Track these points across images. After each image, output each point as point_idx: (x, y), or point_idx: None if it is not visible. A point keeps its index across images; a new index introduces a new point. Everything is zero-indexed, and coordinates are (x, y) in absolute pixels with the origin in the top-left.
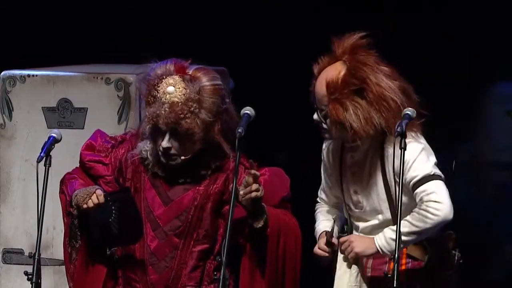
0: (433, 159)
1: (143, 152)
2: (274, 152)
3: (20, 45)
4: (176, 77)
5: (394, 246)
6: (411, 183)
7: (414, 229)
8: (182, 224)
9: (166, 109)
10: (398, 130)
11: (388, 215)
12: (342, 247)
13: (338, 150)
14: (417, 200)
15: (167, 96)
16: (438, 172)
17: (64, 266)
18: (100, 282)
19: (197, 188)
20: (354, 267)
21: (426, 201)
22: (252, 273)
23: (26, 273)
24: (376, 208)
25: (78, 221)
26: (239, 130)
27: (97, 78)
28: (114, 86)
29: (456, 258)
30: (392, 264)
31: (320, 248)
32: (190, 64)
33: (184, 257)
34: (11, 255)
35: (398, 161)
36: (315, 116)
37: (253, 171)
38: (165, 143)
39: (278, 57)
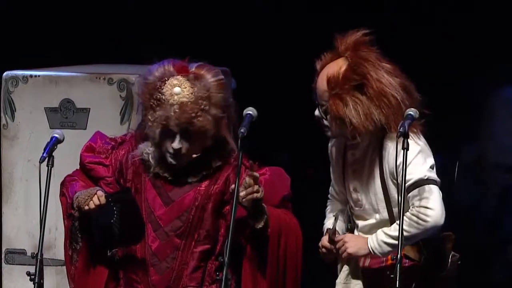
0: (430, 161)
1: (145, 155)
2: (275, 152)
3: (22, 46)
4: (179, 77)
5: (386, 249)
6: (406, 184)
7: (404, 233)
8: (183, 225)
9: (176, 110)
10: (401, 130)
11: (385, 214)
12: (337, 246)
13: (342, 148)
14: (410, 204)
15: (175, 97)
16: (433, 176)
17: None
18: (102, 283)
19: (198, 188)
20: (346, 266)
21: (417, 207)
22: (254, 273)
23: (28, 274)
24: (374, 207)
25: (79, 223)
26: (242, 130)
27: (99, 78)
28: (116, 86)
29: (453, 259)
30: (389, 259)
31: (323, 245)
32: (188, 62)
33: (185, 258)
34: (14, 256)
35: (393, 161)
36: (316, 112)
37: (253, 173)
38: (176, 144)
39: (279, 57)
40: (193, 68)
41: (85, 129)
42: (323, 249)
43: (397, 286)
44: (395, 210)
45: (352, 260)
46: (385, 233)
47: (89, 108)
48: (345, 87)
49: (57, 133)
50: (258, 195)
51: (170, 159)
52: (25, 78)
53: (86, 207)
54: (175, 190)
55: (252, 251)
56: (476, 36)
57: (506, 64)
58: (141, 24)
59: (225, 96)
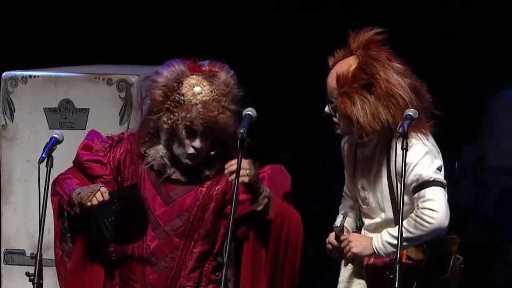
0: (437, 163)
1: (159, 159)
2: (275, 152)
3: (22, 46)
4: (196, 76)
5: (390, 249)
6: (411, 186)
7: (408, 235)
8: (183, 224)
9: (200, 109)
10: (400, 131)
11: (390, 214)
12: (342, 245)
13: (353, 145)
14: (415, 205)
15: (198, 96)
16: (439, 178)
17: None
18: (100, 282)
19: (200, 188)
20: (350, 264)
21: (422, 208)
22: (254, 260)
23: (27, 274)
24: (380, 206)
25: (69, 223)
26: (241, 131)
27: (98, 79)
28: (116, 87)
29: (457, 263)
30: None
31: (329, 241)
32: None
33: (184, 258)
34: (13, 256)
35: (400, 161)
36: (326, 109)
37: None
38: (198, 143)
39: (279, 56)
40: (206, 66)
41: (84, 129)
42: (329, 245)
43: (396, 286)
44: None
45: (356, 259)
46: (390, 234)
47: (88, 109)
48: (354, 86)
49: (56, 134)
50: (252, 171)
51: (186, 160)
52: (25, 79)
53: (89, 203)
54: (176, 189)
55: (254, 237)
56: (477, 37)
57: (507, 66)
58: (140, 24)
59: (239, 90)
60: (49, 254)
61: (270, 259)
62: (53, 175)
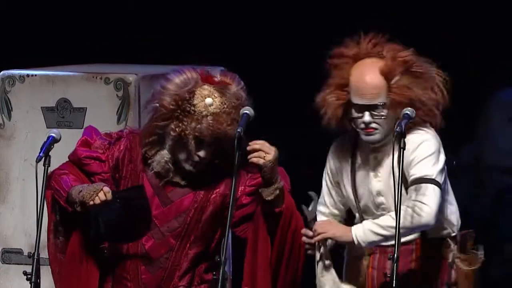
0: (441, 164)
1: (163, 164)
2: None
3: (19, 45)
4: (207, 87)
5: (370, 238)
6: (411, 178)
7: (393, 223)
8: (180, 226)
9: (210, 121)
10: (397, 130)
11: None
12: (314, 228)
13: (349, 156)
14: (408, 196)
15: (209, 108)
16: (439, 179)
17: None
18: (95, 278)
19: (198, 191)
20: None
21: (414, 200)
22: (259, 253)
23: (25, 273)
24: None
25: (62, 217)
26: (238, 130)
27: (96, 78)
28: (113, 86)
29: (480, 256)
30: (418, 251)
31: (304, 234)
32: (206, 68)
33: (179, 259)
34: (10, 255)
35: (409, 155)
36: (367, 118)
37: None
38: (203, 153)
39: (278, 56)
40: (217, 76)
41: (82, 128)
42: (305, 238)
43: (394, 285)
44: None
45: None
46: (374, 223)
47: (86, 108)
48: (401, 74)
49: (54, 133)
50: (270, 157)
51: (189, 167)
52: (22, 78)
53: (91, 202)
54: (175, 191)
55: (261, 228)
56: (476, 38)
57: (504, 66)
58: (138, 24)
59: (248, 101)
60: (46, 253)
61: (275, 253)
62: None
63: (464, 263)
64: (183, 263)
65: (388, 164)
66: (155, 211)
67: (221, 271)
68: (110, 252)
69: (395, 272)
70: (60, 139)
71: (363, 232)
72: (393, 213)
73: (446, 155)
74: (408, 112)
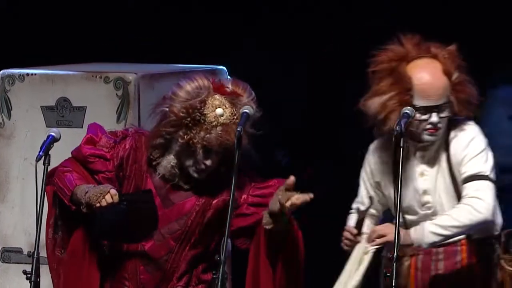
0: (491, 160)
1: (170, 168)
2: (275, 151)
3: (19, 44)
4: (218, 97)
5: (431, 239)
6: (464, 175)
7: (454, 223)
8: (181, 228)
9: (219, 132)
10: (397, 129)
11: None
12: (372, 234)
13: (389, 155)
14: (463, 194)
15: (219, 119)
16: (492, 176)
17: None
18: (96, 277)
19: (201, 195)
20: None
21: (471, 197)
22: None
23: (25, 272)
24: (443, 207)
25: (61, 212)
26: (238, 129)
27: (96, 77)
28: (113, 85)
29: None
30: (464, 252)
31: (347, 230)
32: (216, 77)
33: (178, 261)
34: (10, 254)
35: (460, 151)
36: (435, 119)
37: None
38: (210, 162)
39: (278, 55)
40: (229, 86)
41: (82, 127)
42: (347, 234)
43: (393, 285)
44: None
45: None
46: (434, 224)
47: (86, 107)
48: (457, 71)
49: (53, 132)
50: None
51: (194, 174)
52: (22, 77)
53: (98, 205)
54: (177, 194)
55: (262, 254)
56: (475, 36)
57: (503, 64)
58: (138, 23)
59: (258, 114)
60: (43, 252)
61: (278, 276)
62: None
63: (509, 263)
64: (182, 264)
65: (434, 162)
66: None
67: (220, 270)
68: (110, 251)
69: (394, 272)
70: (59, 138)
71: (423, 234)
72: (452, 212)
73: None
74: (408, 111)
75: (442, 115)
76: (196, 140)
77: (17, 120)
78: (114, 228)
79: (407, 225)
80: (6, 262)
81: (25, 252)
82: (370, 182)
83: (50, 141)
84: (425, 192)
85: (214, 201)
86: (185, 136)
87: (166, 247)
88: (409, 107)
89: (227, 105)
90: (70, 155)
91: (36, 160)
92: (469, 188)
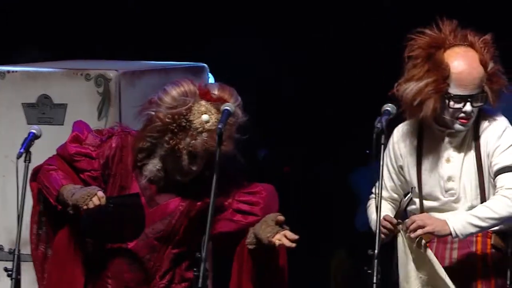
0: None
1: (156, 173)
2: (254, 149)
3: (0, 41)
4: (205, 103)
5: (469, 230)
6: (497, 166)
7: (492, 215)
8: (165, 228)
9: (205, 138)
10: (378, 126)
11: (476, 202)
12: (411, 225)
13: (415, 141)
14: (498, 185)
15: (205, 125)
16: None
17: None
18: (81, 274)
19: (186, 196)
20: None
21: (508, 188)
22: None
23: (6, 269)
24: (466, 195)
25: (46, 209)
26: (219, 126)
27: (77, 74)
28: (94, 82)
29: None
30: (479, 244)
31: (386, 219)
32: (203, 83)
33: (161, 259)
34: None
35: (493, 142)
36: (468, 108)
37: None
38: (195, 167)
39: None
40: (215, 91)
41: (63, 124)
42: (386, 223)
43: (374, 281)
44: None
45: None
46: (472, 215)
47: (67, 104)
48: (490, 61)
49: (34, 129)
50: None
51: (180, 177)
52: (2, 74)
53: (85, 207)
54: (163, 195)
55: (245, 271)
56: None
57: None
58: (120, 21)
59: (245, 120)
60: (27, 249)
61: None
62: (31, 170)
63: None
64: (165, 262)
65: (462, 149)
66: None
67: (201, 267)
68: (93, 249)
69: (375, 268)
70: (40, 135)
71: (461, 225)
72: (489, 204)
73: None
74: (389, 108)
75: (476, 104)
76: (182, 146)
77: None
78: (100, 229)
79: (424, 212)
80: None
81: (6, 250)
82: (393, 166)
83: (31, 138)
84: (449, 178)
85: (198, 203)
86: (170, 142)
87: (149, 246)
88: (390, 104)
89: (213, 111)
90: (51, 152)
91: (17, 157)
92: (504, 180)
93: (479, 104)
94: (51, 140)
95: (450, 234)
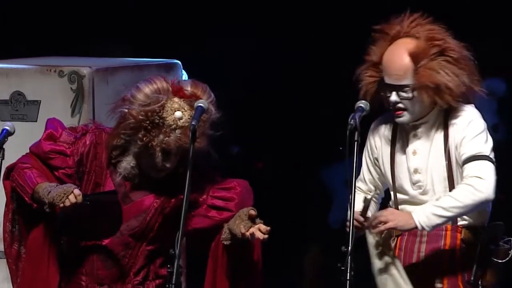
0: (490, 143)
1: (130, 170)
2: (226, 145)
3: None
4: (178, 100)
5: (434, 221)
6: (464, 156)
7: (456, 203)
8: (139, 225)
9: (178, 135)
10: (351, 123)
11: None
12: (375, 221)
13: (389, 134)
14: (464, 174)
15: (178, 122)
16: (492, 156)
17: None
18: (56, 273)
19: (160, 193)
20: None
21: (472, 177)
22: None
23: None
24: (434, 187)
25: (18, 207)
26: (193, 123)
27: (50, 70)
28: (67, 79)
29: (505, 248)
30: (448, 238)
31: (356, 219)
32: (175, 79)
33: (135, 256)
34: None
35: (460, 134)
36: (394, 98)
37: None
38: (170, 164)
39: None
40: (188, 88)
41: (36, 121)
42: (355, 222)
43: (348, 278)
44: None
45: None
46: (435, 205)
47: (40, 101)
48: (430, 57)
49: (7, 126)
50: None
51: (154, 174)
52: None
53: (61, 205)
54: (138, 191)
55: (220, 266)
56: (472, 34)
57: (487, 57)
58: (93, 17)
59: (218, 116)
60: (1, 246)
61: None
62: (5, 167)
63: (492, 255)
64: (139, 259)
65: (428, 141)
66: None
67: (175, 264)
68: (67, 246)
69: (349, 264)
70: (14, 132)
71: (426, 217)
72: (453, 193)
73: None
74: (362, 105)
75: (403, 96)
76: (155, 143)
77: None
78: (76, 226)
79: (398, 205)
80: None
81: None
82: (370, 158)
83: (4, 135)
84: (416, 171)
85: (173, 200)
86: (144, 139)
87: (124, 243)
88: (363, 101)
89: (186, 108)
90: (24, 149)
91: None
92: (469, 168)
93: (405, 95)
94: (24, 137)
95: (416, 227)
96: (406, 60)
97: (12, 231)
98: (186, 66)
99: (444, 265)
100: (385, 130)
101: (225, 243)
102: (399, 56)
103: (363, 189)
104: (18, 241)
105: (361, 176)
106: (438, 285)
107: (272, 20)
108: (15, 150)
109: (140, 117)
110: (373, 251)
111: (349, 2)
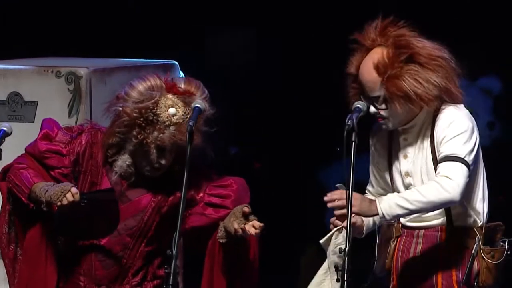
0: (472, 144)
1: (126, 168)
2: (225, 146)
3: None
4: (171, 97)
5: (396, 211)
6: (440, 155)
7: (420, 198)
8: (137, 225)
9: (173, 131)
10: (349, 123)
11: None
12: (339, 202)
13: (386, 138)
14: (436, 172)
15: (172, 118)
16: (469, 159)
17: None
18: (54, 272)
19: (157, 192)
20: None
21: (442, 176)
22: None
23: None
24: None
25: (14, 208)
26: (190, 124)
27: (47, 71)
28: (64, 79)
29: (502, 249)
30: (443, 239)
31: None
32: (169, 76)
33: (134, 257)
34: None
35: (441, 133)
36: (372, 110)
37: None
38: (165, 161)
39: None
40: (181, 85)
41: (33, 122)
42: (335, 201)
43: (345, 279)
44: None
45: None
46: (399, 196)
47: (37, 101)
48: (396, 66)
49: (5, 126)
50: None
51: (149, 172)
52: None
53: (59, 203)
54: (134, 190)
55: (217, 263)
56: (470, 33)
57: (483, 55)
58: (91, 18)
59: (212, 112)
60: None
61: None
62: (2, 168)
63: (487, 255)
64: (137, 260)
65: (416, 144)
66: None
67: (172, 264)
68: (65, 246)
69: (346, 265)
70: (11, 132)
71: (388, 205)
72: (420, 188)
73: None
74: (359, 106)
75: (379, 107)
76: (150, 140)
77: None
78: (73, 225)
79: None
80: None
81: None
82: (373, 162)
83: (2, 136)
84: (407, 174)
85: (170, 198)
86: (138, 136)
87: (122, 243)
88: (360, 102)
89: (179, 105)
90: (21, 150)
91: None
92: (441, 167)
93: (382, 106)
94: (21, 137)
95: (377, 214)
96: (373, 73)
97: (8, 232)
98: (186, 66)
99: (439, 266)
100: (382, 134)
101: (221, 241)
102: (367, 69)
103: (371, 191)
104: (14, 242)
105: (370, 179)
106: (433, 285)
107: (272, 20)
108: (12, 151)
109: (134, 114)
110: (319, 273)
111: (349, 2)
